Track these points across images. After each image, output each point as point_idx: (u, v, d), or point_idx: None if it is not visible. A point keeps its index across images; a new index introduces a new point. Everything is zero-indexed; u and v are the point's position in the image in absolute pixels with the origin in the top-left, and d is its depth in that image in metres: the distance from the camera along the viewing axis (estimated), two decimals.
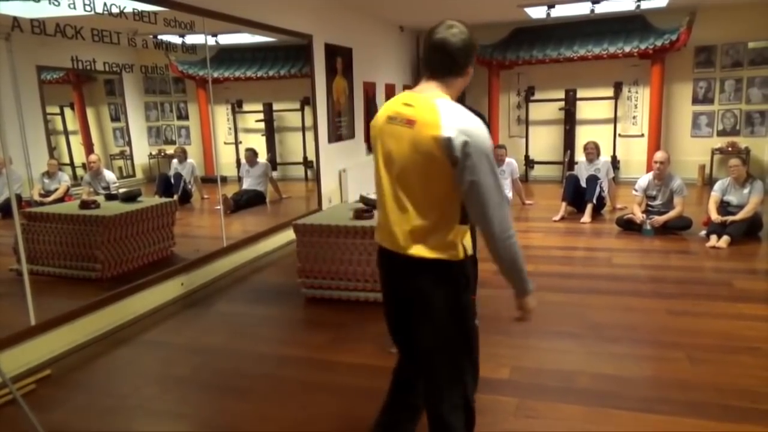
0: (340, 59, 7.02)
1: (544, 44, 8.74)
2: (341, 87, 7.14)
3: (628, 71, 8.65)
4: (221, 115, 6.85)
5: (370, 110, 8.10)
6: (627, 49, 8.16)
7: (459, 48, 1.63)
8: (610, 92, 8.75)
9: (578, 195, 6.60)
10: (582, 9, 7.34)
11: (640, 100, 8.70)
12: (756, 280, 4.33)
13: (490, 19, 8.76)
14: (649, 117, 8.57)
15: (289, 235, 5.94)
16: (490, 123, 9.43)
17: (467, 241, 1.68)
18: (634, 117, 8.86)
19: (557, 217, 6.47)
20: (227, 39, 5.81)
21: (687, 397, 2.60)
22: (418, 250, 1.63)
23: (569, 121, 8.96)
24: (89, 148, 5.21)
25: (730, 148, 8.16)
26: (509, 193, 7.15)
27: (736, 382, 2.72)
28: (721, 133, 8.43)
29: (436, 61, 1.66)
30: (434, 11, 7.88)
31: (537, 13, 7.53)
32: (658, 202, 5.78)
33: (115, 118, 5.60)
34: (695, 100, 8.53)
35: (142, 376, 3.11)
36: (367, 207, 4.30)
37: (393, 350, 1.96)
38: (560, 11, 7.36)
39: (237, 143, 7.13)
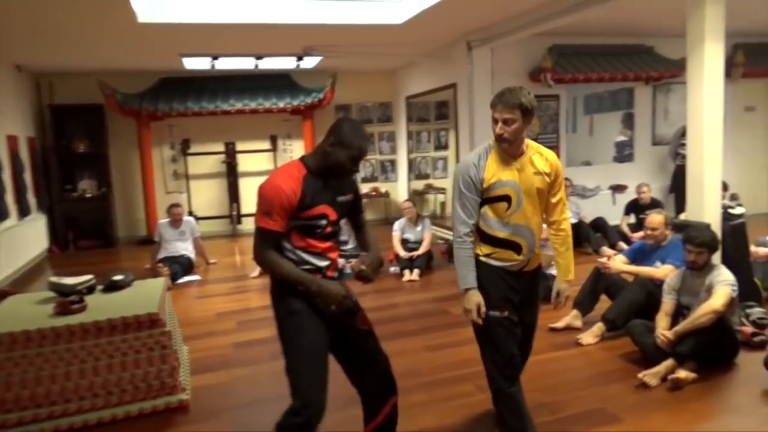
0: None
1: (198, 96, 8.40)
2: None
3: (282, 125, 9.07)
4: None
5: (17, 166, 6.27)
6: (281, 104, 8.55)
7: None
8: (267, 145, 9.00)
9: None
10: (246, 63, 7.35)
11: (296, 152, 9.17)
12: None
13: (135, 66, 7.96)
14: None
15: None
16: (144, 179, 8.47)
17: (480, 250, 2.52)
18: None
19: (255, 274, 6.18)
20: None
21: None
22: None
23: (232, 174, 8.81)
24: None
25: (373, 193, 9.39)
26: (191, 254, 6.52)
27: (533, 396, 3.01)
28: (365, 180, 9.59)
29: None
30: (60, 50, 6.62)
31: (200, 64, 7.19)
32: (350, 246, 6.14)
33: None
34: None
35: None
36: (72, 298, 3.22)
37: None
38: (225, 64, 7.20)
39: None
